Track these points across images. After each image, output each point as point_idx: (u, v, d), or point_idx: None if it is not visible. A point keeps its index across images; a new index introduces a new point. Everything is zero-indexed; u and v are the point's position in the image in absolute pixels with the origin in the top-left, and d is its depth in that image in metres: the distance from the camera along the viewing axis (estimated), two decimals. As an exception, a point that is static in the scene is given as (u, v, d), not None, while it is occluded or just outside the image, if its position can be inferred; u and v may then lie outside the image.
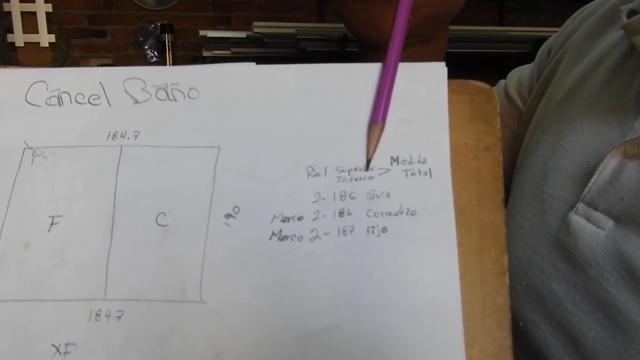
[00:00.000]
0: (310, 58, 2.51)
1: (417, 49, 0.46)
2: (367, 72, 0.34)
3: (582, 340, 0.40)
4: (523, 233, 0.46)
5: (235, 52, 2.47)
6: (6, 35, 2.46)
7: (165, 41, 2.58)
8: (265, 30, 2.28)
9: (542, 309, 0.43)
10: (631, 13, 0.43)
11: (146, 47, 2.65)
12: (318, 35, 2.26)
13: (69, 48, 2.59)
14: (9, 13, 2.43)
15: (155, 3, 2.64)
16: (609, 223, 0.39)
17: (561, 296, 0.42)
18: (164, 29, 2.59)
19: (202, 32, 2.43)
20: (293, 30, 2.25)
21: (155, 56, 2.65)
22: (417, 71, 0.34)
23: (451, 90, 0.33)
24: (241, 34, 2.39)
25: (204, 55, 2.56)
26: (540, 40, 2.35)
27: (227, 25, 2.65)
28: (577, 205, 0.41)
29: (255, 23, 2.28)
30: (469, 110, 0.33)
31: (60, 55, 2.57)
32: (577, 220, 0.41)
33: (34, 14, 2.48)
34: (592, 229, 0.40)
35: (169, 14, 2.65)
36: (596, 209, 0.40)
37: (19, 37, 2.47)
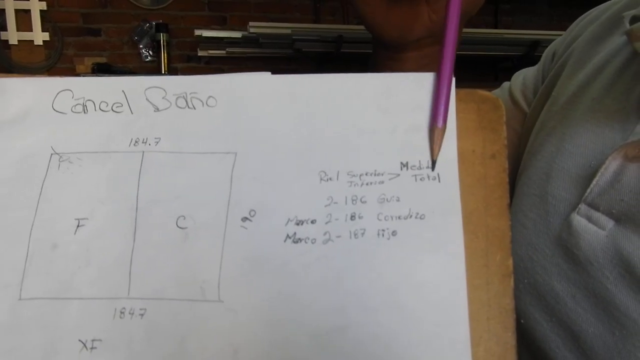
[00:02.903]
0: (306, 58, 2.52)
1: (432, 49, 0.47)
2: (377, 81, 0.35)
3: (582, 335, 0.41)
4: (526, 233, 0.47)
5: (231, 52, 2.48)
6: (0, 33, 2.45)
7: (160, 40, 2.58)
8: (261, 31, 2.28)
9: (544, 306, 0.44)
10: (634, 19, 0.44)
11: (141, 46, 2.65)
12: (313, 35, 2.27)
13: (63, 46, 2.58)
14: (3, 11, 2.42)
15: (151, 2, 2.63)
16: (610, 223, 0.40)
17: (562, 294, 0.43)
18: (159, 28, 2.58)
19: (197, 32, 2.43)
20: (289, 31, 2.26)
21: (150, 55, 2.65)
22: (425, 80, 0.35)
23: (459, 99, 0.34)
24: (237, 34, 2.40)
25: (199, 55, 2.56)
26: (535, 43, 2.37)
27: (223, 25, 2.66)
28: (579, 205, 0.42)
29: (250, 23, 2.28)
30: (476, 118, 0.34)
31: (55, 54, 2.56)
32: (578, 220, 0.42)
33: (28, 11, 2.47)
34: (593, 229, 0.41)
35: (164, 13, 2.64)
36: (597, 209, 0.41)
37: (12, 35, 2.46)
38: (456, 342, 0.31)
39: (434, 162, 0.34)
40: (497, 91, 0.64)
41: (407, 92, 0.35)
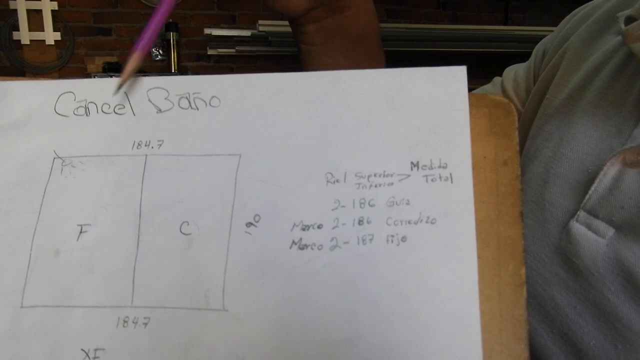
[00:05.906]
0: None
1: (332, 21, 0.47)
2: (387, 77, 0.34)
3: (584, 348, 0.40)
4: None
5: (240, 51, 2.47)
6: (12, 33, 2.47)
7: (170, 39, 2.59)
8: (270, 29, 2.28)
9: (543, 317, 0.43)
10: (629, 20, 0.43)
11: (151, 45, 2.66)
12: (323, 34, 2.26)
13: (74, 46, 2.59)
14: (15, 11, 2.43)
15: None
16: (610, 231, 0.39)
17: (562, 304, 0.42)
18: (169, 27, 2.59)
19: (207, 31, 2.43)
20: (298, 30, 2.25)
21: (160, 54, 2.66)
22: (437, 74, 0.34)
23: (470, 104, 0.33)
24: (246, 33, 2.39)
25: (208, 53, 2.56)
26: (545, 41, 2.36)
27: (232, 23, 2.66)
28: (578, 213, 0.41)
29: (260, 21, 2.28)
30: (488, 124, 0.33)
31: (66, 53, 2.58)
32: (578, 228, 0.41)
33: (39, 11, 2.48)
34: (592, 237, 0.40)
35: (174, 12, 2.65)
36: (597, 217, 0.40)
37: (24, 35, 2.47)
38: (468, 354, 0.30)
39: (118, 87, 0.35)
40: (488, 86, 0.63)
41: (419, 87, 0.34)
